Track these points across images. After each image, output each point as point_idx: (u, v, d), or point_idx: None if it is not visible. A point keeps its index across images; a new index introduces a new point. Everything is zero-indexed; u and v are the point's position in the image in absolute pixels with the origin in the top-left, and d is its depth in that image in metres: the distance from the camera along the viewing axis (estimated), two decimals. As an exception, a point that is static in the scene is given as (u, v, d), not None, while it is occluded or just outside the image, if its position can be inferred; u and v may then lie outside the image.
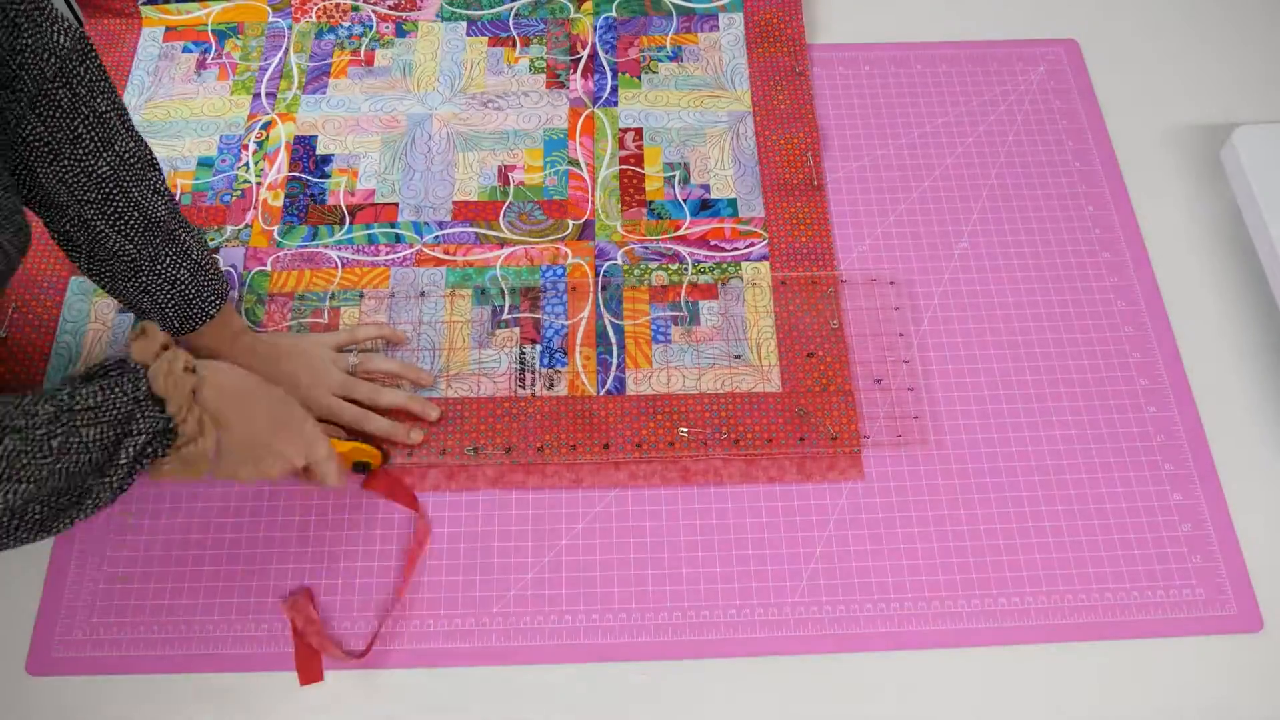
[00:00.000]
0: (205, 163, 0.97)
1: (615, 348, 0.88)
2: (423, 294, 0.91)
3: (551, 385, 0.87)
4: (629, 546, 0.82)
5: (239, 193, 0.96)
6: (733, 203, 0.96)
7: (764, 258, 0.93)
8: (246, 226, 0.94)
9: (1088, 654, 0.80)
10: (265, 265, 0.92)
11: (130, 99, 1.01)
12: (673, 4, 1.07)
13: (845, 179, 0.99)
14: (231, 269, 0.91)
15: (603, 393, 0.86)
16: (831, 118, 1.03)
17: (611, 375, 0.87)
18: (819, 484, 0.84)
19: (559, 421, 0.85)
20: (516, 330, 0.89)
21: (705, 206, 0.95)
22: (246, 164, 0.97)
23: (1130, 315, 0.93)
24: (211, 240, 0.93)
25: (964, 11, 1.12)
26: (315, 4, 1.06)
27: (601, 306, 0.90)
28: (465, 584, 0.80)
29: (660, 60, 1.04)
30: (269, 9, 1.06)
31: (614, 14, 1.07)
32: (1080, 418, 0.88)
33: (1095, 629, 0.80)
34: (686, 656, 0.78)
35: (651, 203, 0.96)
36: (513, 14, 1.07)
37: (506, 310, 0.90)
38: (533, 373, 0.87)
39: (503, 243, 0.93)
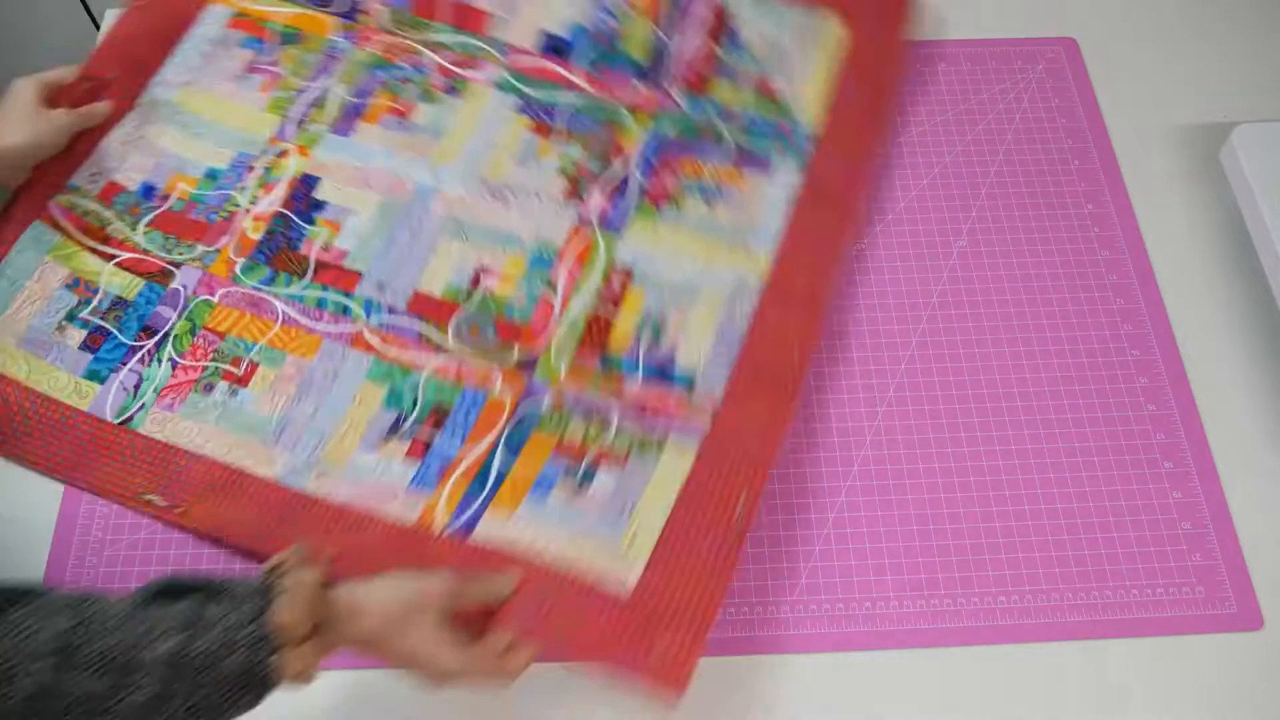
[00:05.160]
0: (212, 175, 0.97)
1: (490, 484, 0.84)
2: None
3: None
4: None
5: (225, 214, 0.96)
6: (690, 378, 0.90)
7: (697, 438, 0.86)
8: (215, 250, 0.94)
9: (1087, 652, 0.81)
10: (214, 296, 0.92)
11: (170, 74, 1.02)
12: (734, 141, 1.01)
13: None
14: (181, 288, 0.92)
15: (448, 531, 0.82)
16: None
17: (471, 510, 0.83)
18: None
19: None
20: (405, 444, 0.86)
21: (661, 376, 0.90)
22: (245, 187, 0.97)
23: (1130, 314, 0.94)
24: (180, 255, 0.93)
25: (962, 9, 1.12)
26: (381, 38, 1.05)
27: (500, 444, 0.86)
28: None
29: (692, 194, 0.98)
30: (339, 22, 1.06)
31: (670, 133, 1.01)
32: (1080, 416, 0.90)
33: (1094, 627, 0.81)
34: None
35: (608, 356, 0.91)
36: (570, 105, 1.03)
37: (410, 421, 0.87)
38: None
39: (440, 350, 0.91)
